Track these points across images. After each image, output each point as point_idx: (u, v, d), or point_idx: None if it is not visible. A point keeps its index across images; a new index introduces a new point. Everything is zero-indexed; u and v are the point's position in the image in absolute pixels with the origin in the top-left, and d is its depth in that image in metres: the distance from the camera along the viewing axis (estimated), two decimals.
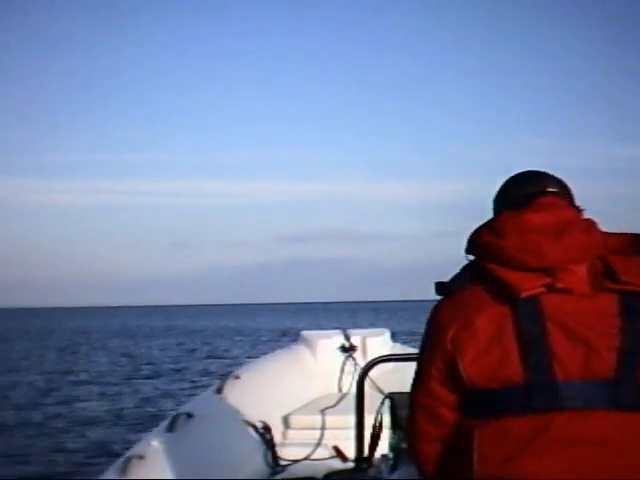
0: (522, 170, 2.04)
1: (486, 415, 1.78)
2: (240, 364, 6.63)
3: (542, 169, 2.03)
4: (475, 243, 1.90)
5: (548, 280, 1.78)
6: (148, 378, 21.10)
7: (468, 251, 1.93)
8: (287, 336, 34.28)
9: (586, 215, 1.93)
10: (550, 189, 1.94)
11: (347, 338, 5.84)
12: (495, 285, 1.81)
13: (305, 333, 6.20)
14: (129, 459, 3.97)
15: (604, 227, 1.91)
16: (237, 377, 5.27)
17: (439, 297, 1.94)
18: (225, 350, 31.67)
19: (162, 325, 64.86)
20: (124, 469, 3.88)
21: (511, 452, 1.73)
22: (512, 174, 2.04)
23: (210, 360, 26.42)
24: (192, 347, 34.09)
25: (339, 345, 5.78)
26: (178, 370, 23.16)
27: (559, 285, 1.78)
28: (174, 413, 4.72)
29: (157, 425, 4.74)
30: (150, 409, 14.74)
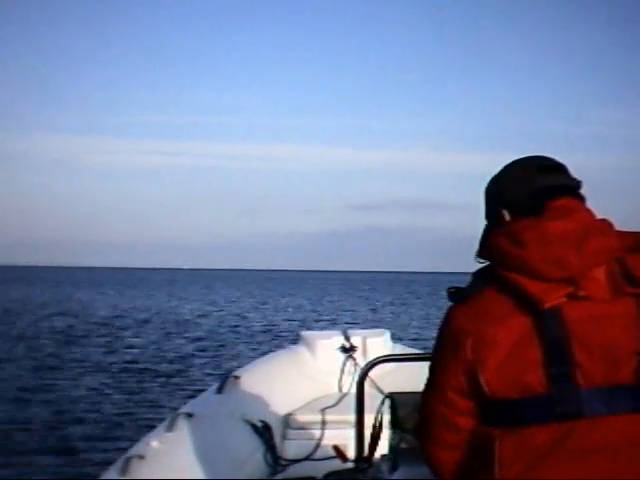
0: (531, 155, 1.95)
1: (507, 425, 1.77)
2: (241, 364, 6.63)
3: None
4: (491, 249, 1.87)
5: (570, 289, 1.77)
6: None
7: (481, 255, 1.90)
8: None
9: (584, 189, 1.92)
10: (574, 183, 1.92)
11: (347, 338, 5.85)
12: (515, 295, 1.78)
13: (305, 333, 6.23)
14: (129, 459, 3.98)
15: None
16: (237, 377, 5.28)
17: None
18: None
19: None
20: (124, 469, 3.90)
21: (533, 462, 1.73)
22: (527, 156, 1.95)
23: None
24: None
25: (339, 345, 5.79)
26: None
27: (581, 293, 1.77)
28: (174, 413, 4.73)
29: (157, 425, 4.75)
30: None
